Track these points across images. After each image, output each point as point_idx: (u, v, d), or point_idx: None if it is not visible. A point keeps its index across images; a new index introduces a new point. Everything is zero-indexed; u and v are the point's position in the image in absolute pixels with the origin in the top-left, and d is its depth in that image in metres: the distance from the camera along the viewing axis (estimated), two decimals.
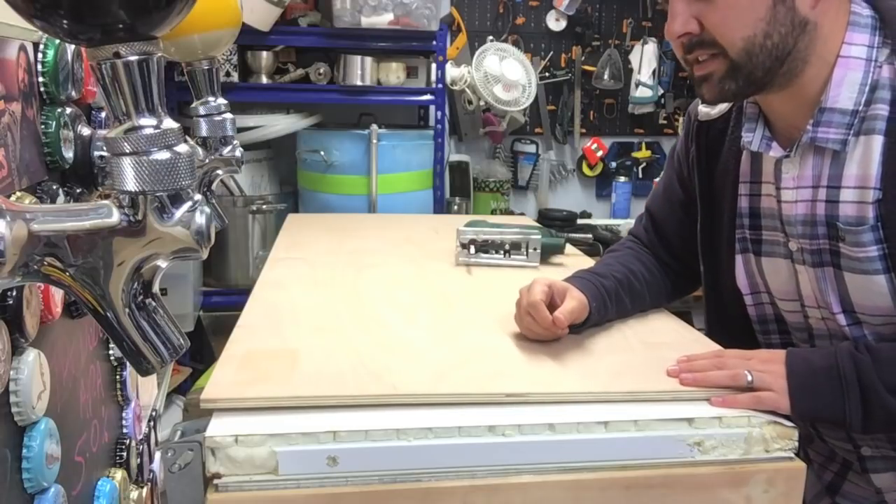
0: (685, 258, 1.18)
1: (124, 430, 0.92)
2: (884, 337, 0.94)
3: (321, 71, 2.50)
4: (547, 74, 3.01)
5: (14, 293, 0.57)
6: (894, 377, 0.85)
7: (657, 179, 1.26)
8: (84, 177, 0.75)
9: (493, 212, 2.87)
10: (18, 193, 0.61)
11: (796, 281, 1.00)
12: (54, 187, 0.67)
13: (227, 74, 2.36)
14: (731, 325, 1.11)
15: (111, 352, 0.89)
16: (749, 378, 0.87)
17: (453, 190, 2.83)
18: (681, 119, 3.11)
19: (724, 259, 1.08)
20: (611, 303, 1.07)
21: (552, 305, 0.98)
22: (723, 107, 1.07)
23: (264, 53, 2.45)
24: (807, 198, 0.95)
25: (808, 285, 0.99)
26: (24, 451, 0.59)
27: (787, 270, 1.01)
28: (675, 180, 1.19)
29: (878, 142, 0.88)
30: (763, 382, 0.87)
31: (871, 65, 0.89)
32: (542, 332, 0.99)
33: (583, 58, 3.01)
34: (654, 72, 2.95)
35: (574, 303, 0.99)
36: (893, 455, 1.00)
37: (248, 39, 2.34)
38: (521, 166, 3.08)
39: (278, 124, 2.47)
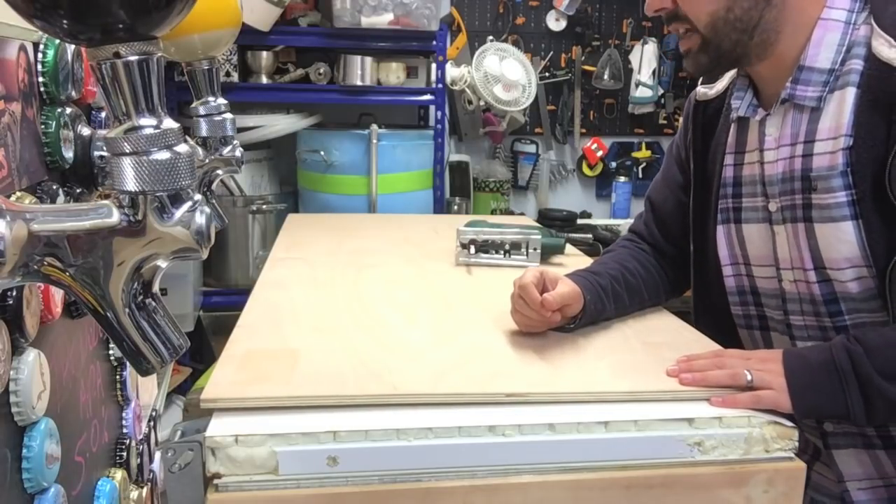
0: (684, 246, 1.19)
1: (124, 430, 0.92)
2: (853, 296, 0.95)
3: (321, 71, 2.50)
4: (547, 74, 3.01)
5: (14, 293, 0.57)
6: (888, 364, 0.86)
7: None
8: (84, 177, 0.75)
9: (493, 212, 2.87)
10: (18, 193, 0.61)
11: (773, 244, 1.03)
12: (54, 187, 0.67)
13: (227, 74, 2.36)
14: (714, 305, 1.13)
15: (111, 352, 0.89)
16: (749, 377, 0.87)
17: (453, 190, 2.83)
18: (681, 119, 3.11)
19: (711, 235, 1.11)
20: (607, 298, 1.08)
21: (544, 293, 0.99)
22: (720, 87, 1.11)
23: (264, 53, 2.45)
24: (786, 155, 0.99)
25: (784, 246, 1.01)
26: (24, 451, 0.59)
27: (764, 234, 1.04)
28: (675, 165, 1.22)
29: (851, 93, 0.92)
30: (762, 381, 0.87)
31: (849, 27, 0.93)
32: (532, 316, 1.00)
33: (583, 58, 3.01)
34: (654, 72, 2.95)
35: (566, 288, 1.01)
36: (854, 431, 1.00)
37: (248, 39, 2.34)
38: (521, 166, 3.08)
39: (278, 124, 2.47)
